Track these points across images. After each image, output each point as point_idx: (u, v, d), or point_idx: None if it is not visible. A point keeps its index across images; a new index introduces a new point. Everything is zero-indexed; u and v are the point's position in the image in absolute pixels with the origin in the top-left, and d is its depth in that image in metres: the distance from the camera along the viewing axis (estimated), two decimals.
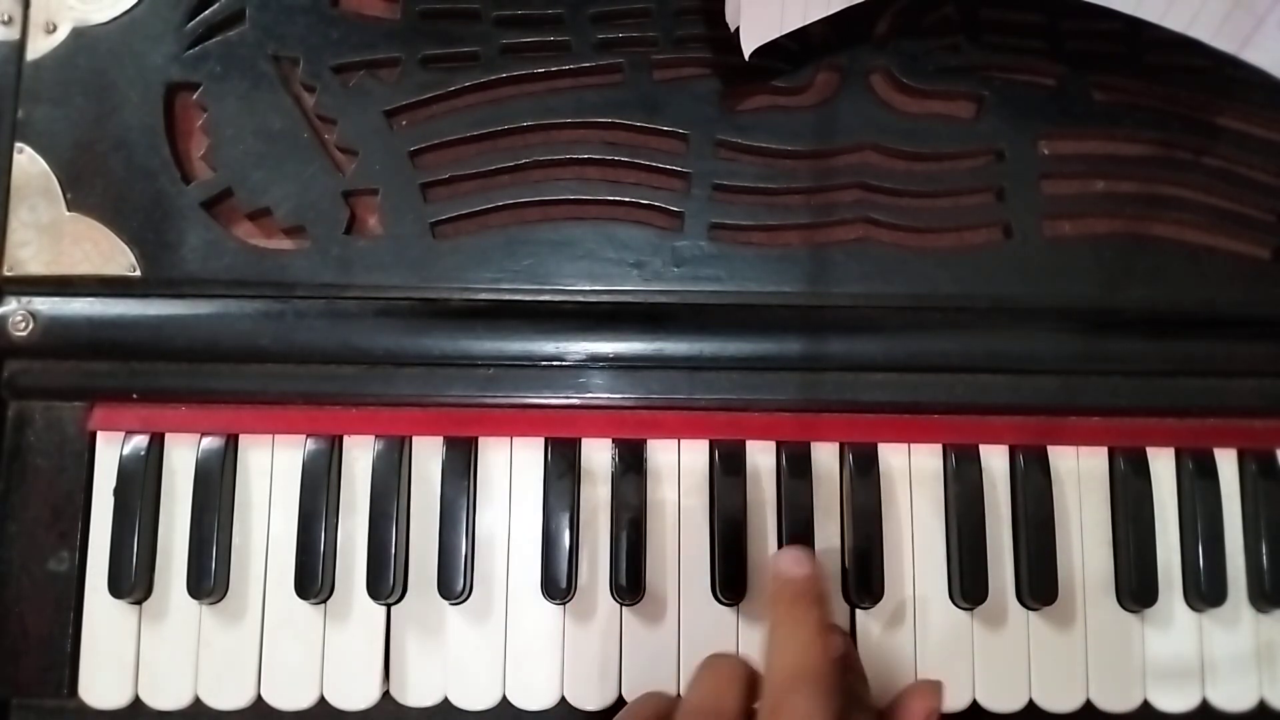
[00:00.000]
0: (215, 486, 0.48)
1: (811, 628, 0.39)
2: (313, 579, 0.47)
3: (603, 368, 0.49)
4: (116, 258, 0.49)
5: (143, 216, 0.49)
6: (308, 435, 0.49)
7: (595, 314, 0.49)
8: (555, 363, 0.49)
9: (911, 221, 0.50)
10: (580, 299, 0.49)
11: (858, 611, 0.49)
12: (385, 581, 0.47)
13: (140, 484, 0.48)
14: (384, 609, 0.48)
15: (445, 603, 0.48)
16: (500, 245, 0.49)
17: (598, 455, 0.49)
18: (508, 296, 0.49)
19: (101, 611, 0.48)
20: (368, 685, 0.48)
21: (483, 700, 0.48)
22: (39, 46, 0.50)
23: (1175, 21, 0.44)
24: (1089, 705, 0.48)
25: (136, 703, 0.48)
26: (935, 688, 0.41)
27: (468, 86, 0.50)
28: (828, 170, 0.50)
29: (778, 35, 0.46)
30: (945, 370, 0.49)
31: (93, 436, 0.49)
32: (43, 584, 0.48)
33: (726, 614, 0.48)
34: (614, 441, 0.49)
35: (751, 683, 0.40)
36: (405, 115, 0.50)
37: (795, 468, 0.49)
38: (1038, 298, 0.49)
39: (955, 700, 0.48)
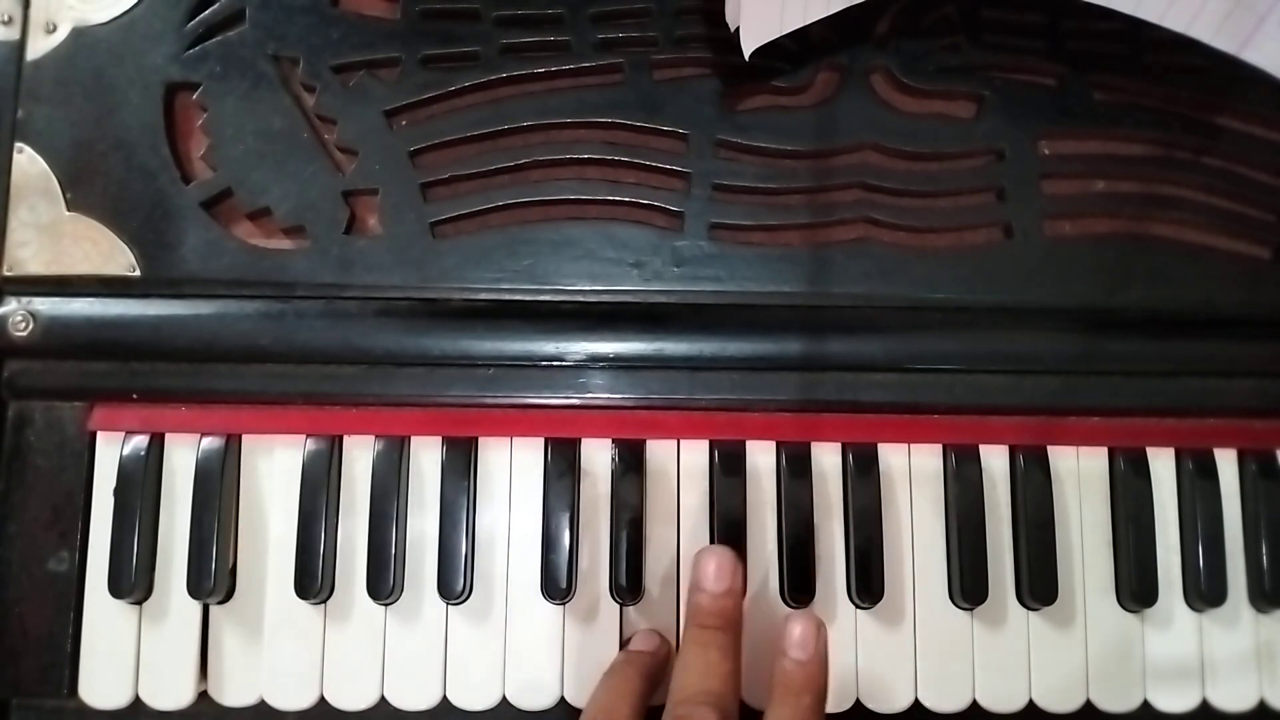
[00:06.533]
0: (215, 486, 0.48)
1: (719, 651, 0.42)
2: (313, 579, 0.47)
3: (603, 368, 0.49)
4: (116, 257, 0.49)
5: (142, 216, 0.49)
6: (308, 435, 0.49)
7: (595, 314, 0.49)
8: (555, 363, 0.49)
9: (912, 221, 0.50)
10: (580, 299, 0.49)
11: (858, 612, 0.49)
12: (385, 581, 0.47)
13: (140, 484, 0.48)
14: (383, 609, 0.48)
15: (445, 603, 0.48)
16: (500, 245, 0.49)
17: (598, 455, 0.49)
18: (508, 296, 0.49)
19: (101, 611, 0.48)
20: (368, 685, 0.48)
21: (483, 700, 0.48)
22: (39, 46, 0.50)
23: (1175, 21, 0.44)
24: (1089, 705, 0.48)
25: (136, 703, 0.48)
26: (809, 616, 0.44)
27: (468, 86, 0.50)
28: (828, 170, 0.50)
29: (778, 35, 0.46)
30: (945, 370, 0.49)
31: (93, 436, 0.49)
32: (43, 584, 0.48)
33: None
34: (614, 441, 0.49)
35: (644, 696, 0.42)
36: (405, 115, 0.50)
37: (795, 468, 0.49)
38: (1038, 298, 0.49)
39: (955, 700, 0.48)
